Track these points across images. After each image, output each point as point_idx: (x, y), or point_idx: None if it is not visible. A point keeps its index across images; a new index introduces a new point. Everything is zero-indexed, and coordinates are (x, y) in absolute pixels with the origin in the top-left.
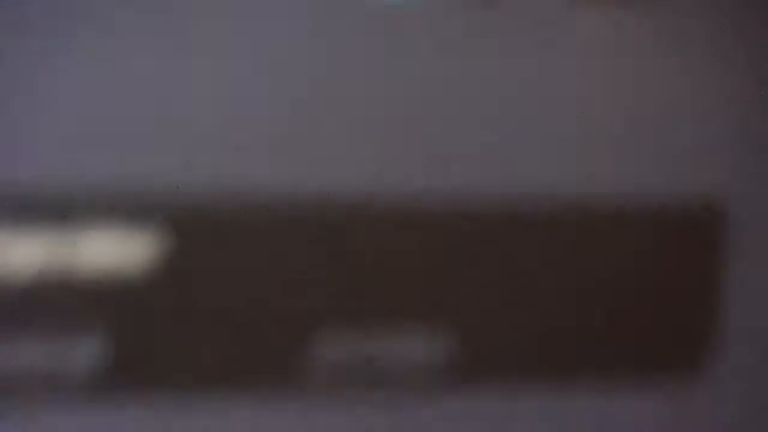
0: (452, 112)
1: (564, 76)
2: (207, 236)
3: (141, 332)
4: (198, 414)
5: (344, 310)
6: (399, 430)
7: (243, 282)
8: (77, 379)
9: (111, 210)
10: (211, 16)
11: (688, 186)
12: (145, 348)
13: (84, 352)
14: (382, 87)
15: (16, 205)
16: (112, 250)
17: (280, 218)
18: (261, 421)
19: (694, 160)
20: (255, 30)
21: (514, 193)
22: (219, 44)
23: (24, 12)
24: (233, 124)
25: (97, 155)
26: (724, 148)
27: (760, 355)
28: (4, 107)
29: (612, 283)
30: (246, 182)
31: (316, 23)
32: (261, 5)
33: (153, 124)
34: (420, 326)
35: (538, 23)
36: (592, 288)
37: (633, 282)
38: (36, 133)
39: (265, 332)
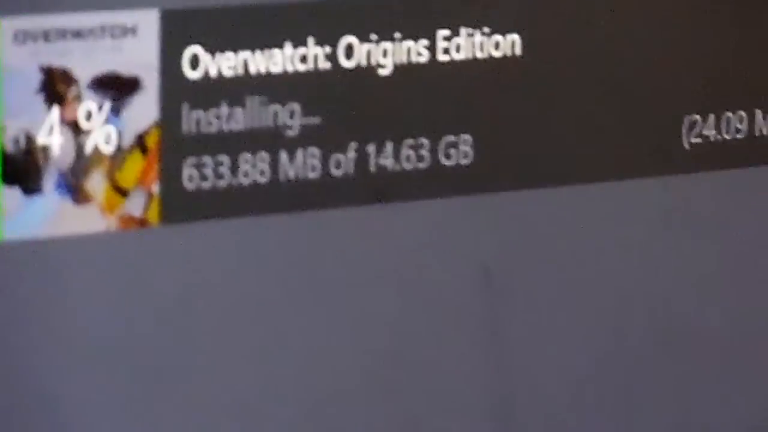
0: None
1: None
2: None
3: (506, 130)
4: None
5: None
6: None
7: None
8: (452, 176)
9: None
10: None
11: None
12: (510, 144)
13: (456, 151)
14: None
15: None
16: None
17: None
18: (648, 198)
19: None
20: None
21: None
22: None
23: None
24: None
25: None
26: None
27: None
28: None
29: None
30: None
31: None
32: None
33: None
34: None
35: None
36: None
37: None
38: None
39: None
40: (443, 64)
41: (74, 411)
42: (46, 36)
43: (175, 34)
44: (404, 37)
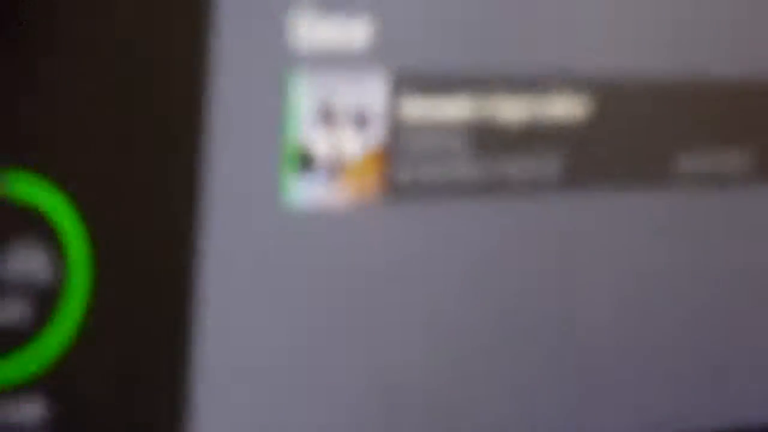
0: None
1: None
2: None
3: (587, 152)
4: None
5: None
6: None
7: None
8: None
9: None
10: None
11: None
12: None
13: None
14: None
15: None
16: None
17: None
18: (632, 212)
19: None
20: None
21: None
22: None
23: None
24: None
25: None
26: None
27: None
28: None
29: None
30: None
31: None
32: None
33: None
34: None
35: None
36: None
37: None
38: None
39: (637, 143)
40: None
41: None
42: (324, 84)
43: (402, 87)
44: None
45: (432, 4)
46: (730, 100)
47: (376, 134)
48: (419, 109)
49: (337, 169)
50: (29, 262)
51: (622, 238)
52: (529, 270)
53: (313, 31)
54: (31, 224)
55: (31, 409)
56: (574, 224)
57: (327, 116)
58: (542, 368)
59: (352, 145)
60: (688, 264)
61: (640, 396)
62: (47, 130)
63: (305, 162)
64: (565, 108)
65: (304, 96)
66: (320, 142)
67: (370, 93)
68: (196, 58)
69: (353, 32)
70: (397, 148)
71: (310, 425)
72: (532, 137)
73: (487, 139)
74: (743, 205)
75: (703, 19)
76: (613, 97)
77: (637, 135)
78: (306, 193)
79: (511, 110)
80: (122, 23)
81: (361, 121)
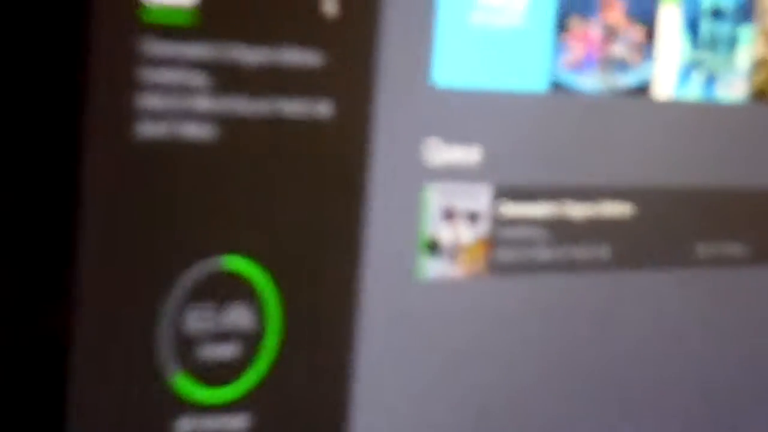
0: None
1: None
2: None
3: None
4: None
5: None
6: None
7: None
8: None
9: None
10: None
11: None
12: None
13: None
14: None
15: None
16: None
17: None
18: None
19: None
20: None
21: None
22: None
23: None
24: None
25: None
26: None
27: None
28: None
29: None
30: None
31: None
32: None
33: None
34: None
35: None
36: None
37: None
38: None
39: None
40: None
41: None
42: (447, 192)
43: (502, 194)
44: None
45: (524, 154)
46: (734, 203)
47: (484, 228)
48: (513, 210)
49: (455, 253)
50: (239, 316)
51: (655, 305)
52: (588, 330)
53: (440, 154)
54: (240, 289)
55: (240, 420)
56: (621, 294)
57: (449, 215)
58: (588, 408)
59: (467, 235)
60: (704, 326)
61: None
62: (252, 227)
63: (433, 248)
64: (614, 210)
65: (433, 200)
66: (444, 234)
67: (480, 198)
68: (356, 173)
69: (468, 156)
70: (498, 238)
71: None
72: (591, 231)
73: (560, 232)
74: (742, 281)
75: (713, 143)
76: (648, 202)
77: (667, 229)
78: (433, 270)
79: (577, 211)
80: (303, 159)
81: (473, 218)
